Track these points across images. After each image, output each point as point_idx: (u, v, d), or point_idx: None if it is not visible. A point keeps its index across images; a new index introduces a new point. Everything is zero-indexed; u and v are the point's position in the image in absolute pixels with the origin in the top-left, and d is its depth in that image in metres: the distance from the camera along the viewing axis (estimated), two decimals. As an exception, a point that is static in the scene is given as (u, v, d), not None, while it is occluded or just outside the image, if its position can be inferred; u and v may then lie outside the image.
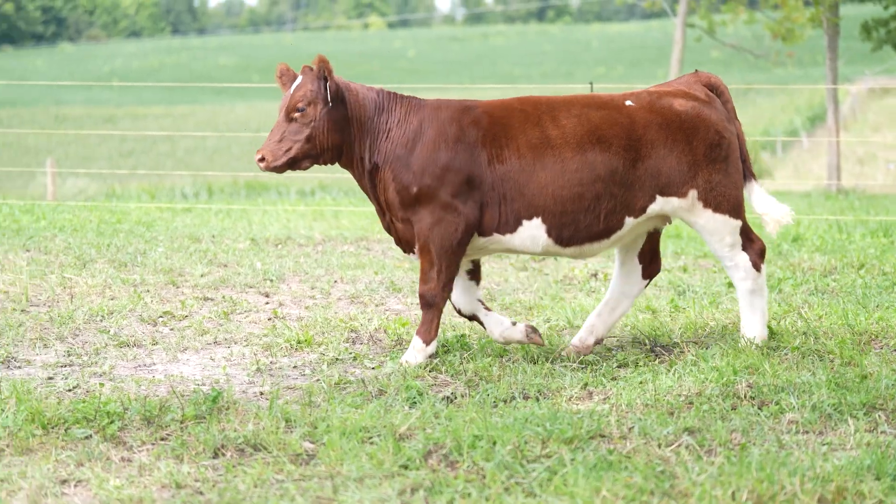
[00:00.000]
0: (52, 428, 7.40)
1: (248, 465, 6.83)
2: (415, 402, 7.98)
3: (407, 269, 13.60)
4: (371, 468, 6.67)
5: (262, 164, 8.85)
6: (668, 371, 8.66)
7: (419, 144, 8.90)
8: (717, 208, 9.10)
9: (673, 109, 9.04)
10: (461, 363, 8.97)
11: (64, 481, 6.62)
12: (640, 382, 8.38)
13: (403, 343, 9.82)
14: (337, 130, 8.94)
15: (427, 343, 9.02)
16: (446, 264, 8.93)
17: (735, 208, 9.18)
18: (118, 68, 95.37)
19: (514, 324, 9.28)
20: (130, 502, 6.34)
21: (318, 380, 8.70)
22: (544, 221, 8.93)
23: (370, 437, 7.19)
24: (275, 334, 10.24)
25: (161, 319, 10.93)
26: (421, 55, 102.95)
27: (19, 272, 12.58)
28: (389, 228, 9.25)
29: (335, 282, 12.84)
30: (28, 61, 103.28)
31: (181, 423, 7.53)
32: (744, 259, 9.22)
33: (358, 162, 9.08)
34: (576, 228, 8.97)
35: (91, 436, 7.30)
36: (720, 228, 9.14)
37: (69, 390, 8.43)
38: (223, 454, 7.00)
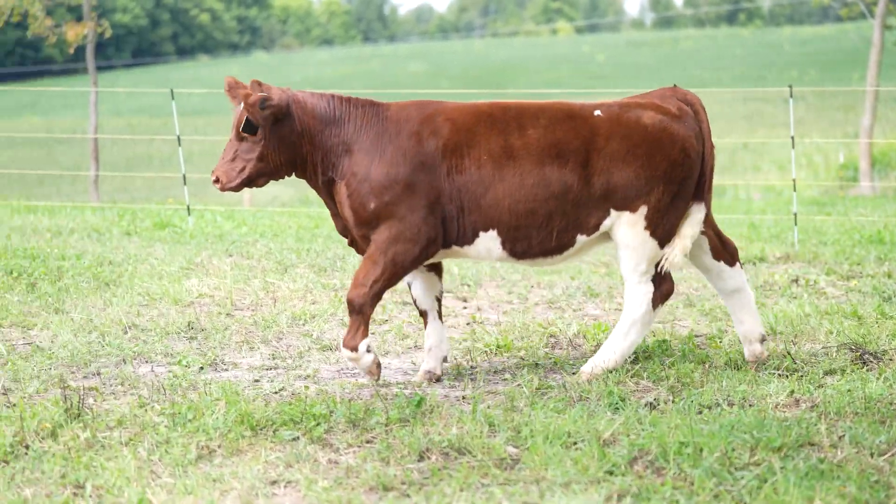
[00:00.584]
0: (261, 429, 7.53)
1: (454, 468, 6.85)
2: (617, 408, 7.93)
3: (603, 275, 13.53)
4: (576, 473, 6.65)
5: (217, 186, 8.61)
6: (878, 378, 8.46)
7: (377, 159, 8.57)
8: (653, 232, 8.78)
9: (640, 122, 8.73)
10: (663, 369, 8.89)
11: (274, 482, 6.74)
12: (849, 390, 8.19)
13: (603, 348, 9.75)
14: (287, 146, 8.61)
15: (355, 349, 8.59)
16: (388, 277, 8.57)
17: (666, 238, 8.85)
18: (311, 76, 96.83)
19: (444, 360, 9.07)
20: (339, 504, 6.43)
21: (518, 384, 8.69)
22: (499, 234, 8.67)
23: (574, 443, 7.17)
24: (474, 339, 10.28)
25: (362, 323, 11.04)
26: (609, 60, 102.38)
27: (223, 277, 12.84)
28: (347, 237, 8.95)
29: (532, 287, 12.84)
30: (223, 70, 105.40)
31: (386, 426, 7.60)
32: (647, 291, 8.86)
33: (311, 174, 8.77)
34: (529, 244, 8.72)
35: (298, 438, 7.41)
36: (644, 252, 8.80)
37: (275, 392, 8.57)
38: (428, 457, 7.04)
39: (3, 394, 8.47)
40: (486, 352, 9.86)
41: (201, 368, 9.33)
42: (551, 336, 10.40)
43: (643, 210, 8.69)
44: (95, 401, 8.24)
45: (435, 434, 7.32)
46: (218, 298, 11.90)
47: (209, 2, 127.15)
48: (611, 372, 8.84)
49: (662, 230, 8.77)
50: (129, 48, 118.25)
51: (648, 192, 8.67)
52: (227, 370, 9.37)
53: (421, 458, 7.04)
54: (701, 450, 6.85)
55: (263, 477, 6.76)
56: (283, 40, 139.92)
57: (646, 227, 8.72)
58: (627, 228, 8.72)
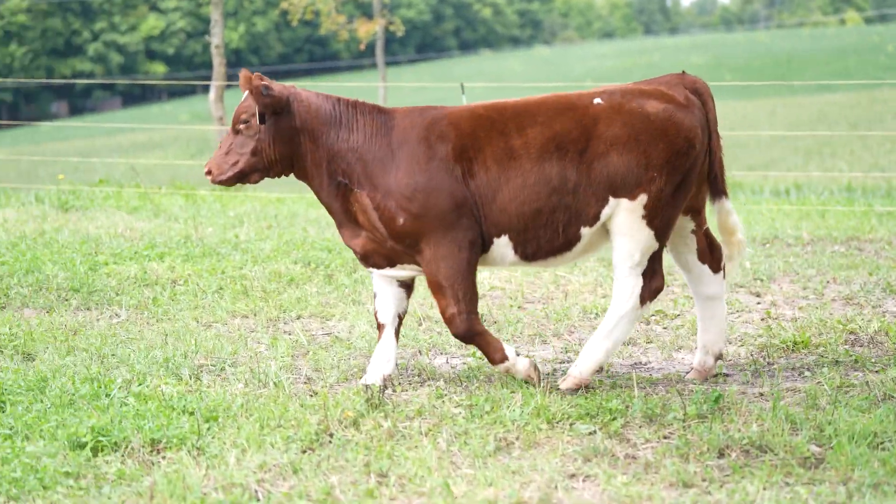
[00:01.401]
0: (557, 423, 7.55)
1: (755, 466, 6.74)
2: (924, 408, 7.65)
3: (903, 270, 13.09)
4: (885, 475, 6.46)
5: (209, 178, 8.51)
6: None
7: (393, 169, 8.35)
8: (651, 222, 8.37)
9: (643, 111, 8.35)
10: (972, 369, 8.54)
11: (572, 475, 6.74)
12: None
13: (906, 346, 9.45)
14: (283, 142, 8.45)
15: (504, 359, 8.43)
16: (462, 290, 8.33)
17: (663, 231, 8.44)
18: (592, 69, 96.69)
19: (384, 379, 8.59)
20: (639, 499, 6.38)
21: (819, 382, 8.48)
22: (511, 239, 8.40)
23: (881, 443, 6.96)
24: (770, 335, 10.07)
25: (654, 318, 10.98)
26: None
27: (514, 270, 12.92)
28: (352, 243, 8.62)
29: (828, 282, 12.51)
30: (505, 64, 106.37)
31: (683, 421, 7.52)
32: (635, 284, 8.46)
33: (314, 174, 8.57)
34: (538, 245, 8.41)
35: (595, 432, 7.40)
36: (639, 243, 8.40)
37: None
38: (728, 454, 6.94)
39: (306, 383, 8.71)
40: (782, 348, 9.65)
41: (495, 361, 9.41)
42: (851, 333, 10.10)
43: (642, 198, 8.35)
44: (394, 391, 8.39)
45: (734, 431, 7.21)
46: (509, 291, 12.00)
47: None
48: (598, 371, 8.67)
49: (660, 221, 8.42)
50: (413, 43, 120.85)
51: (649, 181, 8.33)
52: (521, 363, 9.42)
53: (721, 455, 6.94)
54: None
55: (562, 470, 6.78)
56: (564, 34, 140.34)
57: (643, 216, 8.38)
58: (625, 215, 8.39)
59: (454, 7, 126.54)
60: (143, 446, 7.15)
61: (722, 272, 8.88)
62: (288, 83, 8.65)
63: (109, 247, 14.05)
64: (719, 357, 8.89)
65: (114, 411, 7.67)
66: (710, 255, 8.86)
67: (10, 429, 7.49)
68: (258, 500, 6.44)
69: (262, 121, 8.37)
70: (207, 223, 16.52)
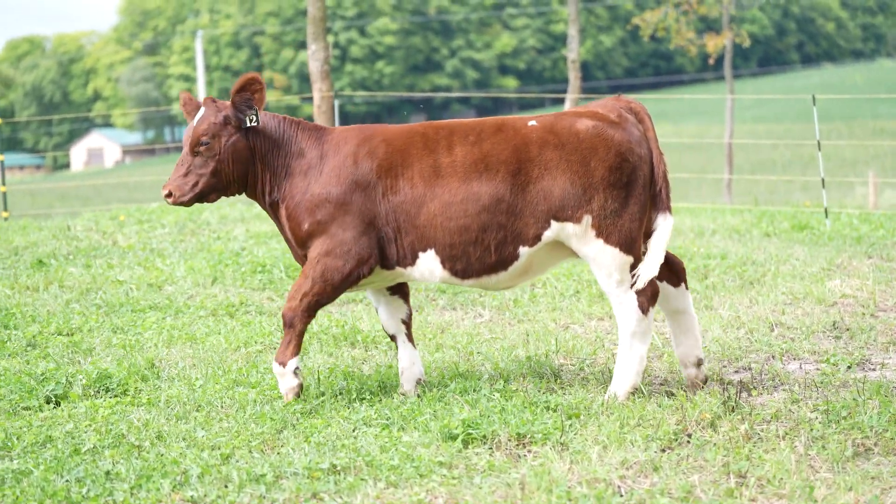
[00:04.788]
0: (925, 429, 7.55)
1: None
2: None
3: None
4: None
5: (169, 200, 8.65)
6: None
7: (314, 181, 8.58)
8: (608, 239, 8.31)
9: (572, 129, 8.38)
10: None
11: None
12: None
13: None
14: (241, 162, 8.70)
15: (284, 364, 8.57)
16: (318, 292, 8.52)
17: (628, 243, 8.34)
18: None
19: (419, 381, 8.92)
20: None
21: None
22: (437, 253, 8.47)
23: None
24: None
25: None
26: None
27: (865, 278, 12.84)
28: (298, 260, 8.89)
29: None
30: (847, 77, 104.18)
31: None
32: (631, 299, 8.36)
33: (260, 193, 8.81)
34: (468, 261, 8.45)
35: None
36: (608, 262, 8.36)
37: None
38: None
39: (662, 384, 8.96)
40: None
41: (849, 367, 9.44)
42: None
43: (587, 219, 8.31)
44: (749, 395, 8.55)
45: None
46: (861, 299, 11.93)
47: (835, 11, 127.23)
48: (633, 393, 8.40)
49: (618, 237, 8.32)
50: (755, 57, 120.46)
51: (588, 201, 8.30)
52: (874, 370, 9.43)
53: None
54: None
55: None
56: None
57: (597, 236, 8.33)
58: (580, 241, 8.38)
59: (797, 21, 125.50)
60: (510, 440, 7.55)
61: (684, 285, 8.79)
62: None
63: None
64: (700, 363, 8.78)
65: (482, 406, 8.11)
66: (669, 270, 8.77)
67: (387, 419, 8.04)
68: (621, 495, 6.70)
69: (246, 124, 8.68)
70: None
